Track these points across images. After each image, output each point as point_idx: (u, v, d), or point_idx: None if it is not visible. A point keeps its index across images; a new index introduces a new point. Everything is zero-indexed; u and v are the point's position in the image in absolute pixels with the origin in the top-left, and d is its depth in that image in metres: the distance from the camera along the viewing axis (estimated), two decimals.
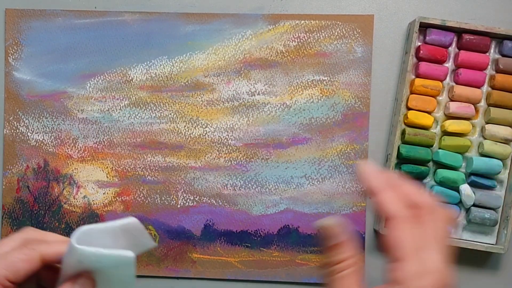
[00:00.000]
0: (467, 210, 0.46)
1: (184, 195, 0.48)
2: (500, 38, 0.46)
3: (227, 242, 0.48)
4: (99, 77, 0.48)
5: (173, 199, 0.48)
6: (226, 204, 0.48)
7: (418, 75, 0.46)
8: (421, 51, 0.46)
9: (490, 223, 0.45)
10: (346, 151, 0.48)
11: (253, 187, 0.48)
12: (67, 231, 0.48)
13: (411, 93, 0.46)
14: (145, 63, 0.48)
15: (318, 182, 0.48)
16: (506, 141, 0.46)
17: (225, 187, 0.48)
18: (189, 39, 0.48)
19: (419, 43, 0.46)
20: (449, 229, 0.32)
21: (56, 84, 0.48)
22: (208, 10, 0.48)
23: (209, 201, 0.48)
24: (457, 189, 0.46)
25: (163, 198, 0.48)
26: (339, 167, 0.48)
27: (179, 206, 0.48)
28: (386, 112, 0.48)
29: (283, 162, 0.48)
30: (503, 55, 0.46)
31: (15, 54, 0.48)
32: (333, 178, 0.48)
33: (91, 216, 0.48)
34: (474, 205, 0.46)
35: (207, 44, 0.48)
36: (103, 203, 0.48)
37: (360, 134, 0.48)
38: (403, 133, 0.46)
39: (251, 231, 0.48)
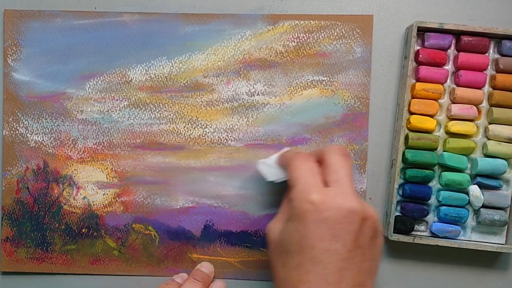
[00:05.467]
0: (476, 212, 0.46)
1: (184, 195, 0.48)
2: (498, 38, 0.46)
3: (227, 242, 0.48)
4: (98, 78, 0.48)
5: (173, 200, 0.48)
6: (226, 204, 0.48)
7: (418, 79, 0.46)
8: (420, 55, 0.46)
9: (500, 224, 0.46)
10: None
11: (253, 188, 0.48)
12: (67, 232, 0.48)
13: (413, 97, 0.46)
14: (145, 64, 0.48)
15: None
16: (510, 141, 0.46)
17: (225, 187, 0.48)
18: (189, 39, 0.48)
19: (418, 47, 0.46)
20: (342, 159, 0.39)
21: (55, 85, 0.48)
22: (207, 11, 0.48)
23: (209, 201, 0.48)
24: (463, 191, 0.46)
25: (163, 199, 0.48)
26: None
27: (178, 206, 0.48)
28: (386, 112, 0.48)
29: None
30: (503, 55, 0.46)
31: (14, 55, 0.48)
32: None
33: (91, 217, 0.48)
34: (483, 206, 0.46)
35: (206, 44, 0.48)
36: (103, 204, 0.48)
37: (360, 135, 0.48)
38: (406, 138, 0.46)
39: (251, 231, 0.48)
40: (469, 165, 0.46)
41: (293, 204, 0.37)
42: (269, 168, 0.44)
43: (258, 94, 0.48)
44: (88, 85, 0.48)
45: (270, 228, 0.40)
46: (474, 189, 0.46)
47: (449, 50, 0.47)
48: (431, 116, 0.46)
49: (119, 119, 0.48)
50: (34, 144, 0.48)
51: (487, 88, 0.47)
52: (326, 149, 0.40)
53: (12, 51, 0.48)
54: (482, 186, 0.46)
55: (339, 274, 0.35)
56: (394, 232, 0.46)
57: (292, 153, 0.42)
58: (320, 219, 0.35)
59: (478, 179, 0.46)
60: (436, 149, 0.46)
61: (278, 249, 0.38)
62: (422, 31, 0.46)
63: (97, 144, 0.48)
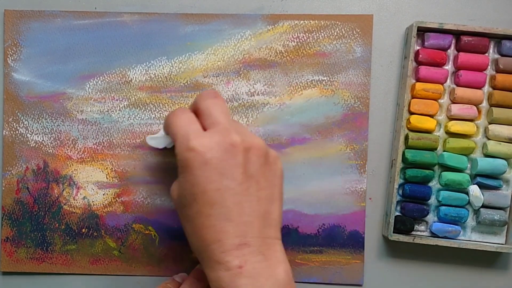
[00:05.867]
0: (476, 212, 0.46)
1: None
2: (498, 38, 0.46)
3: None
4: (98, 78, 0.48)
5: None
6: None
7: (418, 79, 0.46)
8: (420, 55, 0.46)
9: (499, 224, 0.46)
10: (346, 151, 0.48)
11: None
12: (67, 232, 0.48)
13: (413, 97, 0.46)
14: (144, 64, 0.48)
15: (318, 182, 0.48)
16: (510, 141, 0.46)
17: None
18: (188, 39, 0.48)
19: (418, 47, 0.47)
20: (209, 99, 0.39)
21: (56, 85, 0.48)
22: (207, 11, 0.48)
23: None
24: (463, 191, 0.46)
25: (163, 199, 0.48)
26: (339, 167, 0.48)
27: None
28: (386, 112, 0.48)
29: (282, 162, 0.48)
30: (503, 55, 0.46)
31: (14, 55, 0.48)
32: (332, 178, 0.48)
33: (91, 217, 0.48)
34: (483, 205, 0.46)
35: (206, 44, 0.48)
36: (103, 204, 0.48)
37: (360, 134, 0.48)
38: (406, 138, 0.46)
39: None
40: (469, 165, 0.46)
41: (178, 158, 0.37)
42: (158, 139, 0.44)
43: (258, 94, 0.48)
44: (88, 85, 0.48)
45: (171, 190, 0.39)
46: (474, 189, 0.46)
47: (449, 50, 0.47)
48: (431, 116, 0.46)
49: (119, 119, 0.48)
50: (34, 144, 0.48)
51: (487, 88, 0.47)
52: (197, 98, 0.40)
53: (12, 51, 0.48)
54: (482, 186, 0.46)
55: (238, 208, 0.35)
56: (394, 232, 0.46)
57: (169, 113, 0.41)
58: (203, 162, 0.35)
59: (478, 179, 0.46)
60: (436, 149, 0.46)
61: (179, 205, 0.38)
62: (422, 31, 0.46)
63: (97, 144, 0.48)
